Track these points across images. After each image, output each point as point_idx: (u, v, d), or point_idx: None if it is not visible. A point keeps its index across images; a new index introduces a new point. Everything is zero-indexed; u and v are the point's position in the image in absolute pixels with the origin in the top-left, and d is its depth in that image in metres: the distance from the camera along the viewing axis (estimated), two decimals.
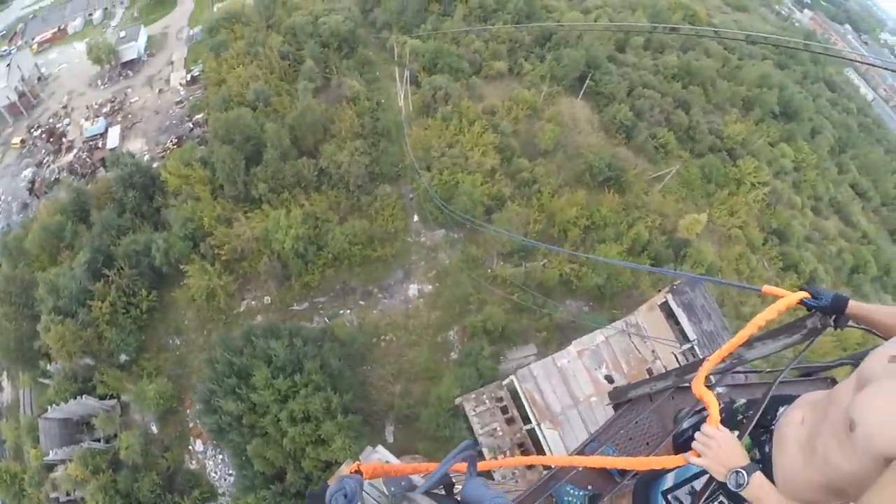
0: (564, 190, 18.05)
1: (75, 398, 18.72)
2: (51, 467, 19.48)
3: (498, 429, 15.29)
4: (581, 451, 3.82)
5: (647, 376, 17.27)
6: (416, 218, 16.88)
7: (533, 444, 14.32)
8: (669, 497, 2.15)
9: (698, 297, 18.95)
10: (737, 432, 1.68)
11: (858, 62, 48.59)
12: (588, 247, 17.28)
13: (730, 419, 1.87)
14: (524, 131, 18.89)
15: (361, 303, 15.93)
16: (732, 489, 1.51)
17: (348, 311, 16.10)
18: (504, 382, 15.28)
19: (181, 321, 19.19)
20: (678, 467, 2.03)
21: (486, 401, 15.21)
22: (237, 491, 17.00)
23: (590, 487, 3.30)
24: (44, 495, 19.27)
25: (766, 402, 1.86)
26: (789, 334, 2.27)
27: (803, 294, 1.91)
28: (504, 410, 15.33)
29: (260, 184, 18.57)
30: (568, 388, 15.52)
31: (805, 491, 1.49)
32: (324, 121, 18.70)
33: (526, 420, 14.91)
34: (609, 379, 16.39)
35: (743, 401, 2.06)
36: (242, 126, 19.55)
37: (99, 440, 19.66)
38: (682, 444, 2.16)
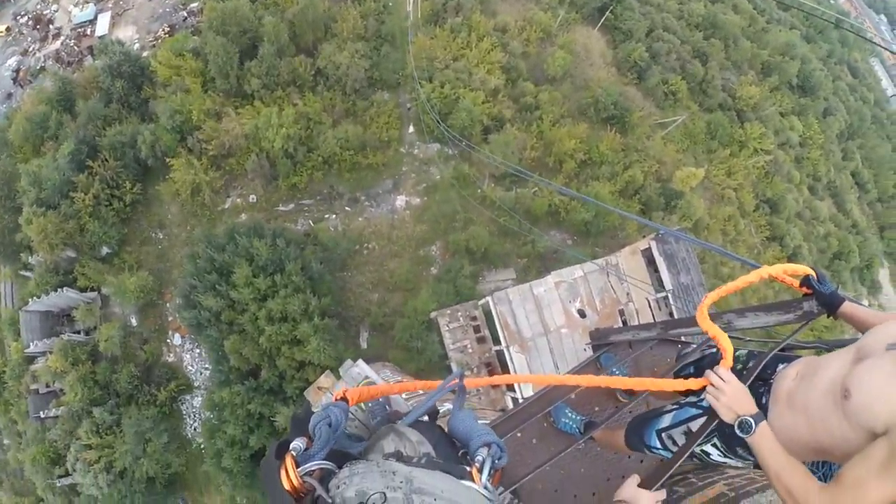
0: (566, 120, 17.52)
1: (56, 291, 18.71)
2: (31, 359, 19.68)
3: (468, 346, 15.68)
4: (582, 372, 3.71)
5: (619, 316, 17.54)
6: (411, 129, 16.37)
7: (500, 366, 14.71)
8: (663, 436, 2.18)
9: (681, 249, 19.04)
10: None
11: (887, 49, 46.91)
12: (581, 181, 17.04)
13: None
14: (534, 54, 18.03)
15: (348, 209, 15.73)
16: (738, 434, 1.58)
17: (334, 217, 15.92)
18: (480, 302, 15.51)
19: (165, 215, 18.90)
20: (678, 408, 2.16)
21: (461, 318, 15.49)
22: (212, 385, 17.44)
23: (586, 415, 3.31)
24: (24, 387, 19.61)
25: (767, 357, 1.90)
26: (784, 311, 2.28)
27: (811, 272, 1.94)
28: (476, 329, 15.67)
29: (253, 79, 17.73)
30: (541, 317, 15.78)
31: (793, 444, 1.56)
32: (326, 19, 17.60)
33: (496, 341, 15.27)
34: (581, 313, 16.69)
35: (744, 351, 2.04)
36: (239, 18, 18.36)
37: (79, 332, 19.82)
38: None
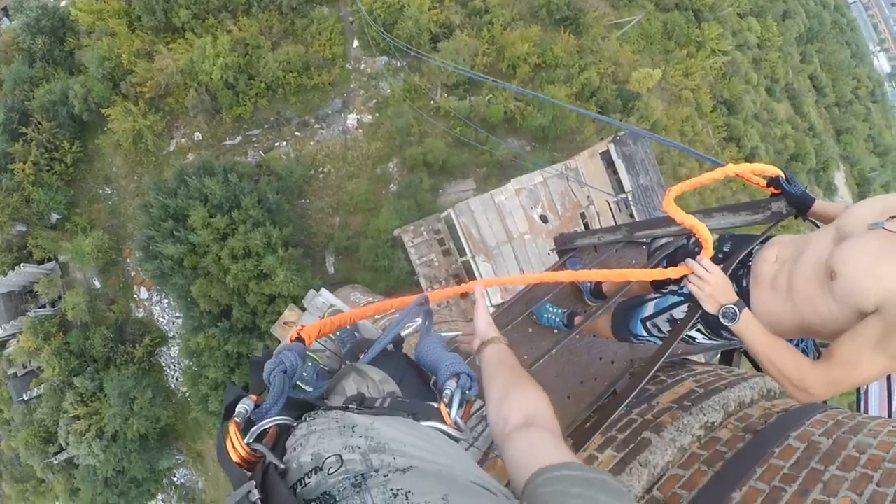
0: (518, 24, 16.85)
1: (13, 269, 18.13)
2: (3, 344, 19.28)
3: (434, 260, 15.61)
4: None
5: (581, 220, 17.50)
6: (355, 44, 15.55)
7: (468, 277, 14.76)
8: (648, 324, 2.22)
9: (639, 150, 18.93)
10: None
11: None
12: (536, 86, 16.61)
13: (693, 256, 1.85)
14: None
15: (297, 134, 15.12)
16: (724, 323, 1.58)
17: (284, 144, 15.31)
18: (442, 215, 15.35)
19: (109, 169, 18.02)
20: (660, 296, 2.19)
21: (424, 233, 15.34)
22: (186, 332, 17.29)
23: (567, 308, 3.25)
24: (1, 373, 19.30)
25: (749, 247, 1.89)
26: (752, 212, 2.28)
27: (780, 173, 1.94)
28: (441, 242, 15.56)
29: (182, 10, 16.50)
30: (504, 225, 15.74)
31: (778, 325, 1.58)
32: None
33: (462, 253, 15.22)
34: (543, 219, 16.69)
35: (716, 236, 2.02)
36: None
37: (44, 306, 19.40)
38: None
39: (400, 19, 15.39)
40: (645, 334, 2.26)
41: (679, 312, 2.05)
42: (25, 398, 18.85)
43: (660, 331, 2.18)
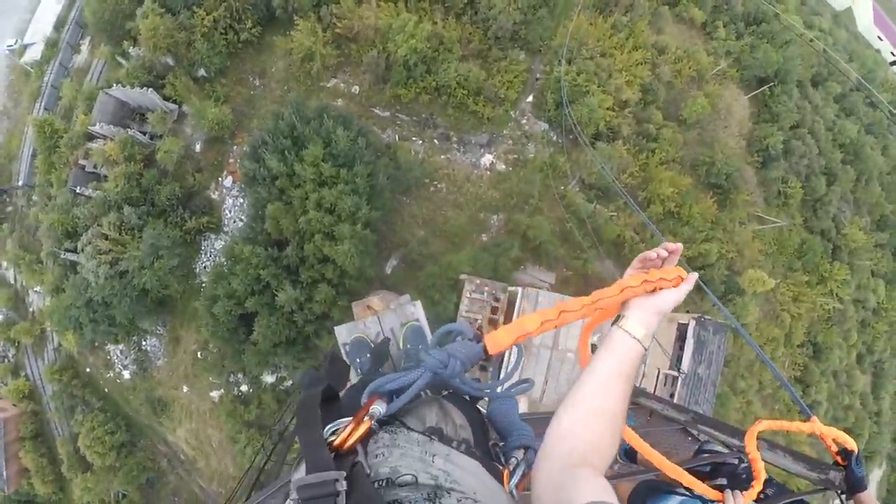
0: (675, 166, 16.85)
1: (142, 88, 19.17)
2: (91, 137, 20.32)
3: (479, 321, 15.67)
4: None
5: None
6: (529, 98, 15.98)
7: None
8: None
9: (715, 342, 18.35)
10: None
11: None
12: (660, 228, 16.48)
13: (734, 479, 1.94)
14: (678, 88, 17.25)
15: (436, 142, 15.63)
16: None
17: (420, 142, 15.85)
18: (510, 288, 15.39)
19: (269, 67, 19.15)
20: (689, 497, 2.11)
21: (485, 293, 15.44)
22: (239, 236, 17.89)
23: None
24: (74, 158, 20.25)
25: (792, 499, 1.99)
26: (810, 468, 2.35)
27: (856, 449, 1.95)
28: (494, 311, 15.61)
29: None
30: (556, 332, 15.65)
31: None
32: None
33: None
34: (594, 349, 16.37)
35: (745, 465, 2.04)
36: None
37: (145, 134, 20.28)
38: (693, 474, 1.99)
39: (579, 102, 15.72)
40: None
41: None
42: (77, 190, 19.76)
43: None
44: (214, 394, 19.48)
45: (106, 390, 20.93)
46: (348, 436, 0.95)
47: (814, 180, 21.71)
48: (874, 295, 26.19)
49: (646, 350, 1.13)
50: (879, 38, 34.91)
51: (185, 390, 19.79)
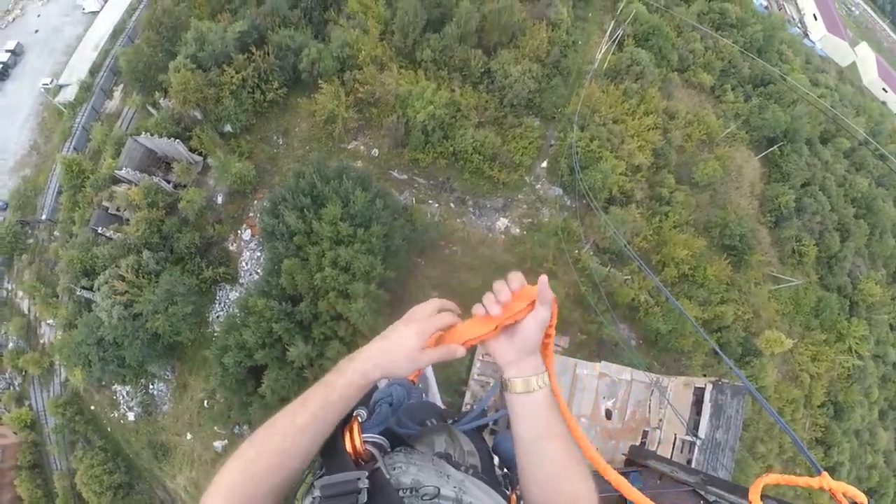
0: (688, 229, 17.02)
1: (169, 138, 19.91)
2: (116, 181, 21.01)
3: (490, 384, 15.58)
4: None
5: (641, 437, 16.74)
6: (544, 164, 16.42)
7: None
8: None
9: (732, 407, 17.96)
10: None
11: None
12: (673, 293, 16.49)
13: None
14: (689, 152, 17.64)
15: (452, 206, 16.01)
16: None
17: (436, 205, 16.25)
18: None
19: (293, 127, 19.96)
20: None
21: None
22: (254, 289, 18.06)
23: None
24: (98, 199, 20.84)
25: None
26: None
27: (863, 500, 1.87)
28: None
29: (427, 50, 18.37)
30: (570, 396, 15.49)
31: None
32: (515, 28, 17.94)
33: None
34: (608, 414, 16.20)
35: None
36: None
37: (169, 182, 20.86)
38: None
39: (592, 168, 16.12)
40: None
41: None
42: (99, 231, 20.18)
43: None
44: (218, 444, 19.26)
45: (109, 430, 20.80)
46: (352, 438, 1.01)
47: (827, 237, 21.71)
48: (894, 349, 25.62)
49: (549, 388, 1.05)
50: (884, 90, 35.60)
51: (188, 437, 19.61)
